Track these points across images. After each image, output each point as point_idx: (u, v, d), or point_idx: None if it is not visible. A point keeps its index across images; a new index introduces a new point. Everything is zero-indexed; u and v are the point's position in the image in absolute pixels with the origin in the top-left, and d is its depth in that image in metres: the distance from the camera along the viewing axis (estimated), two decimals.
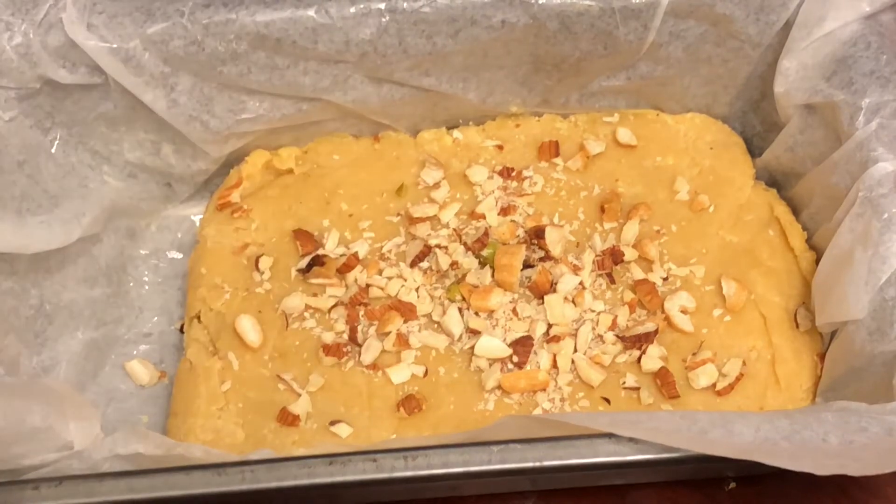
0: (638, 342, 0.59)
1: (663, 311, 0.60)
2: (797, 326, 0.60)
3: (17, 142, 0.58)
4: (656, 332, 0.59)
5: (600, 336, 0.59)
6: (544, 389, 0.57)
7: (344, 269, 0.62)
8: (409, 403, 0.57)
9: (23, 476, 0.46)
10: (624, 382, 0.58)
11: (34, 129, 0.60)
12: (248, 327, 0.59)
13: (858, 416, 0.45)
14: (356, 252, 0.63)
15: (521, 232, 0.64)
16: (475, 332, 0.59)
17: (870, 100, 0.56)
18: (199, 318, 0.61)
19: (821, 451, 0.43)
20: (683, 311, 0.60)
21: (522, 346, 0.58)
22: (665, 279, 0.62)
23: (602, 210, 0.65)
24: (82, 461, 0.48)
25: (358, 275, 0.62)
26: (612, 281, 0.61)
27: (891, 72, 0.57)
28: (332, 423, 0.56)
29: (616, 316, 0.60)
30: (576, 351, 0.59)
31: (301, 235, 0.64)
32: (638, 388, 0.57)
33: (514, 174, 0.66)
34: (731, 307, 0.60)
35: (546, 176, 0.66)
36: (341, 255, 0.63)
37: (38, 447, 0.46)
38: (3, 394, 0.46)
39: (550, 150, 0.67)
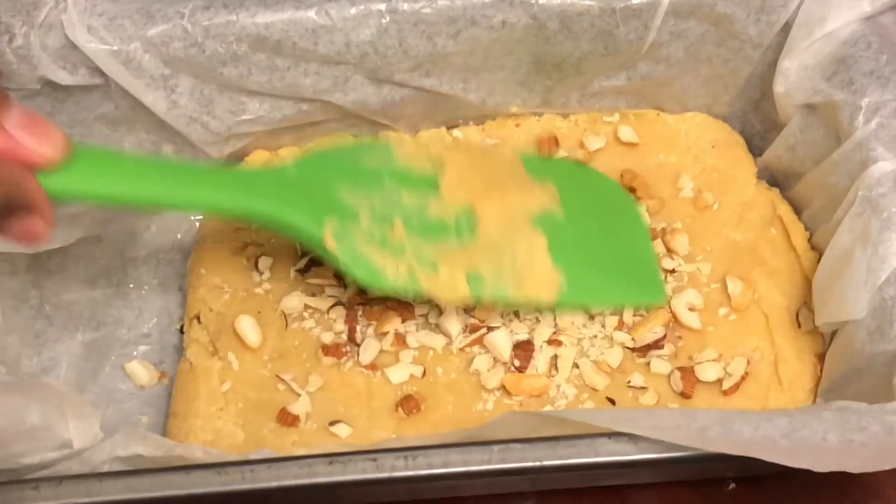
0: (647, 350, 0.59)
1: (669, 307, 0.60)
2: (799, 326, 0.60)
3: None
4: (664, 336, 0.59)
5: (608, 337, 0.59)
6: (543, 394, 0.57)
7: None
8: (409, 404, 0.57)
9: (23, 476, 0.47)
10: (630, 381, 0.57)
11: None
12: (248, 328, 0.59)
13: (858, 415, 0.45)
14: None
15: None
16: (475, 331, 0.59)
17: (869, 99, 0.56)
18: (198, 318, 0.61)
19: (820, 449, 0.43)
20: (691, 309, 0.60)
21: (523, 351, 0.58)
22: (672, 272, 0.62)
23: (632, 190, 0.65)
24: (82, 464, 0.48)
25: None
26: None
27: (891, 72, 0.57)
28: (332, 423, 0.56)
29: (621, 316, 0.60)
30: (581, 355, 0.58)
31: None
32: (645, 388, 0.57)
33: None
34: (736, 306, 0.60)
35: None
36: None
37: (37, 446, 0.46)
38: (2, 392, 0.46)
39: (550, 143, 0.67)
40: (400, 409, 0.57)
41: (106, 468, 0.48)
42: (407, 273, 0.54)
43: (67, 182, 0.45)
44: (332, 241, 0.53)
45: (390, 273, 0.54)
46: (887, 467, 0.42)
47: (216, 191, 0.53)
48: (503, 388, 0.57)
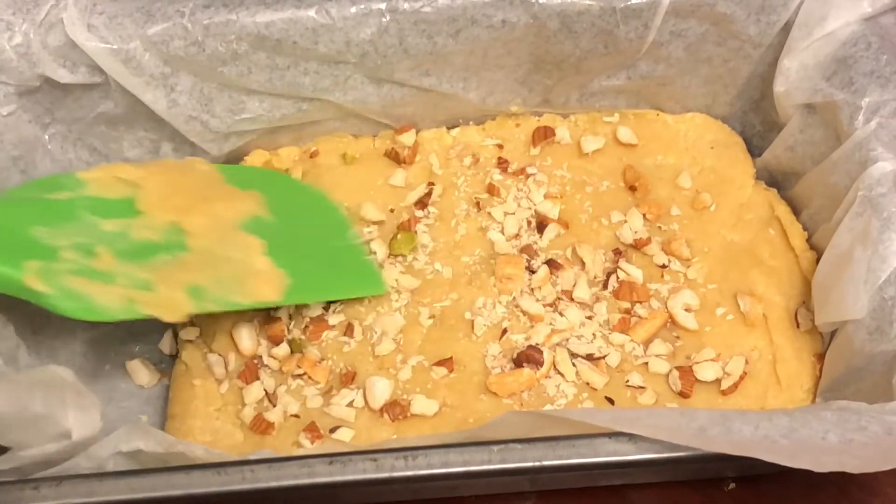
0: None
1: (666, 307, 0.60)
2: (798, 326, 0.60)
3: (13, 137, 0.58)
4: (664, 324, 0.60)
5: (605, 336, 0.59)
6: (533, 386, 0.57)
7: None
8: (394, 409, 0.56)
9: (25, 475, 0.46)
10: (628, 381, 0.57)
11: (32, 124, 0.60)
12: (244, 335, 0.59)
13: (858, 415, 0.45)
14: None
15: (525, 224, 0.64)
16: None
17: (869, 99, 0.56)
18: (191, 320, 0.61)
19: (820, 449, 0.43)
20: (687, 310, 0.60)
21: (527, 357, 0.58)
22: (664, 266, 0.62)
23: (633, 189, 0.65)
24: (88, 459, 0.48)
25: None
26: (605, 286, 0.61)
27: (891, 72, 0.57)
28: (333, 430, 0.56)
29: (621, 316, 0.60)
30: (578, 355, 0.58)
31: None
32: (644, 388, 0.57)
33: (516, 171, 0.66)
34: (751, 322, 0.60)
35: (549, 173, 0.66)
36: None
37: (36, 434, 0.46)
38: (9, 380, 0.46)
39: (545, 133, 0.67)
40: (385, 415, 0.56)
41: (111, 464, 0.48)
42: (123, 298, 0.52)
43: None
44: (35, 280, 0.50)
45: (104, 301, 0.52)
46: (887, 467, 0.42)
47: None
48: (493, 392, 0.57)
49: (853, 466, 0.42)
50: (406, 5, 0.59)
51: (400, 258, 0.62)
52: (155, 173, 0.58)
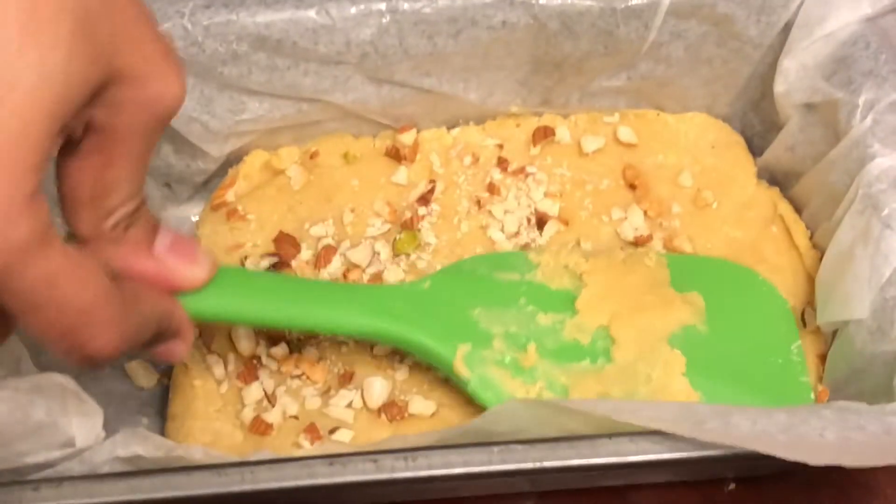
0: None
1: None
2: (804, 325, 0.60)
3: None
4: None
5: None
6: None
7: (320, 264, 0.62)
8: (391, 410, 0.56)
9: (23, 476, 0.46)
10: None
11: None
12: (242, 335, 0.59)
13: (858, 414, 0.45)
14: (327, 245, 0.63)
15: (525, 222, 0.64)
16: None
17: (866, 97, 0.56)
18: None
19: (817, 446, 0.43)
20: None
21: None
22: None
23: (633, 187, 0.65)
24: (82, 464, 0.48)
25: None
26: None
27: (888, 70, 0.57)
28: (332, 431, 0.56)
29: None
30: None
31: (283, 239, 0.63)
32: None
33: (516, 170, 0.66)
34: None
35: (549, 172, 0.66)
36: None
37: (41, 443, 0.46)
38: (9, 389, 0.46)
39: (545, 133, 0.67)
40: (382, 416, 0.56)
41: (106, 468, 0.47)
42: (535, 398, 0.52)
43: (207, 304, 0.46)
44: (463, 367, 0.52)
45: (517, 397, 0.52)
46: (883, 463, 0.42)
47: (350, 313, 0.52)
48: None
49: (849, 461, 0.42)
50: (406, 6, 0.59)
51: (403, 257, 0.62)
52: (601, 268, 0.57)
